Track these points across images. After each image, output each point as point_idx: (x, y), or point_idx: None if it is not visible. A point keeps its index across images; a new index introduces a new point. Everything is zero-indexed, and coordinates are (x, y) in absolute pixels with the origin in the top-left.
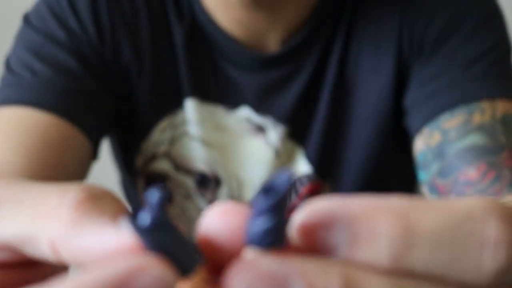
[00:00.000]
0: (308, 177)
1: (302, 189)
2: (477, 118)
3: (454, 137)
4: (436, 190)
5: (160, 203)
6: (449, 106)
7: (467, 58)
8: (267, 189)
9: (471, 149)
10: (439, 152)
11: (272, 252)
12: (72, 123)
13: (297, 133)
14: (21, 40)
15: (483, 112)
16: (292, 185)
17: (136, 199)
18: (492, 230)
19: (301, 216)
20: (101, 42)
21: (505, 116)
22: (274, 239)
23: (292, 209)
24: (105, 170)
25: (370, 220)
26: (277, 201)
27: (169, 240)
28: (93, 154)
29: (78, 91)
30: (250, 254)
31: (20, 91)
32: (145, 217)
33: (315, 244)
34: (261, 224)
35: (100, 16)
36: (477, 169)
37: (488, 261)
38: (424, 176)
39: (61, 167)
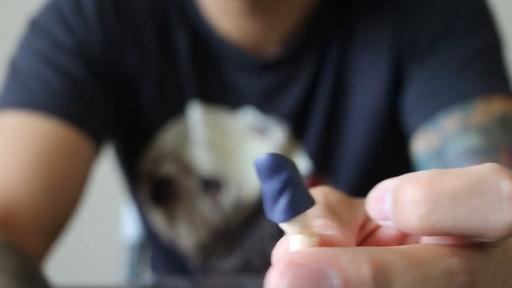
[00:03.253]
0: (307, 172)
1: None
2: (474, 118)
3: (452, 138)
4: None
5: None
6: (446, 104)
7: (462, 58)
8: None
9: (470, 151)
10: (437, 153)
11: (307, 247)
12: (81, 129)
13: (297, 131)
14: (29, 44)
15: (480, 111)
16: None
17: (139, 202)
18: (507, 186)
19: (371, 193)
20: (108, 47)
21: (501, 115)
22: (302, 205)
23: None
24: (107, 172)
25: (402, 189)
26: (288, 175)
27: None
28: (98, 157)
29: (84, 97)
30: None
31: (28, 97)
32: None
33: (379, 213)
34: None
35: (107, 21)
36: None
37: (509, 212)
38: None
39: (72, 171)
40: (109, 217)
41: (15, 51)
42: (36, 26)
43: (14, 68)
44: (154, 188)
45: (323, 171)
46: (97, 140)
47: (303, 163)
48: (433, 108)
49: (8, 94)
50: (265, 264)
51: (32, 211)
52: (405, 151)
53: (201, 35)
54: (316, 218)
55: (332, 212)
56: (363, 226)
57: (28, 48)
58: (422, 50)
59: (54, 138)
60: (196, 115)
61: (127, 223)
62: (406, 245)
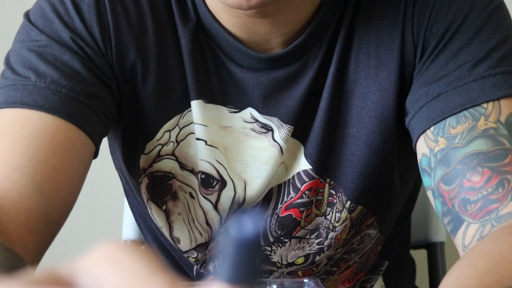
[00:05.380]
0: (308, 174)
1: (302, 186)
2: (482, 123)
3: (458, 143)
4: (441, 196)
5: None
6: (454, 109)
7: (472, 58)
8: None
9: (475, 155)
10: (443, 158)
11: None
12: (76, 126)
13: (299, 132)
14: (22, 39)
15: (488, 116)
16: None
17: (139, 199)
18: None
19: None
20: (105, 44)
21: (509, 118)
22: None
23: (291, 204)
24: (107, 172)
25: None
26: None
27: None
28: (94, 154)
29: (82, 93)
30: None
31: (24, 93)
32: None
33: None
34: None
35: (104, 18)
36: (481, 175)
37: None
38: (428, 181)
39: (66, 169)
40: (109, 218)
41: (11, 46)
42: (30, 20)
43: (9, 63)
44: (154, 186)
45: (323, 174)
46: (95, 136)
47: (304, 165)
48: (441, 112)
49: (3, 90)
50: (266, 265)
51: (22, 208)
52: (409, 154)
53: (203, 31)
54: None
55: None
56: None
57: (23, 43)
58: (430, 49)
59: (47, 133)
60: (198, 113)
61: (127, 225)
62: None
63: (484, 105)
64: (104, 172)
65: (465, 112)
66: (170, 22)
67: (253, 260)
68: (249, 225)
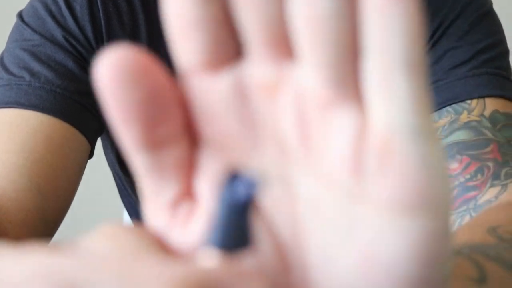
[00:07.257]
0: None
1: None
2: (464, 117)
3: (440, 136)
4: None
5: (254, 186)
6: (436, 106)
7: (456, 60)
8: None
9: (455, 144)
10: None
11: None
12: (72, 125)
13: None
14: (16, 39)
15: (472, 110)
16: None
17: (134, 198)
18: None
19: None
20: (98, 43)
21: (493, 113)
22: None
23: None
24: (105, 170)
25: None
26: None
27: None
28: (90, 153)
29: (76, 92)
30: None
31: (19, 93)
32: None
33: None
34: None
35: (97, 16)
36: (459, 162)
37: None
38: None
39: (63, 168)
40: (108, 218)
41: (5, 46)
42: (24, 20)
43: (3, 64)
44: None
45: None
46: (90, 135)
47: None
48: None
49: None
50: None
51: (19, 207)
52: None
53: None
54: None
55: None
56: None
57: (16, 43)
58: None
59: (42, 133)
60: None
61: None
62: None
63: (468, 101)
64: (103, 172)
65: (447, 107)
66: (162, 21)
67: (246, 226)
68: (242, 187)
